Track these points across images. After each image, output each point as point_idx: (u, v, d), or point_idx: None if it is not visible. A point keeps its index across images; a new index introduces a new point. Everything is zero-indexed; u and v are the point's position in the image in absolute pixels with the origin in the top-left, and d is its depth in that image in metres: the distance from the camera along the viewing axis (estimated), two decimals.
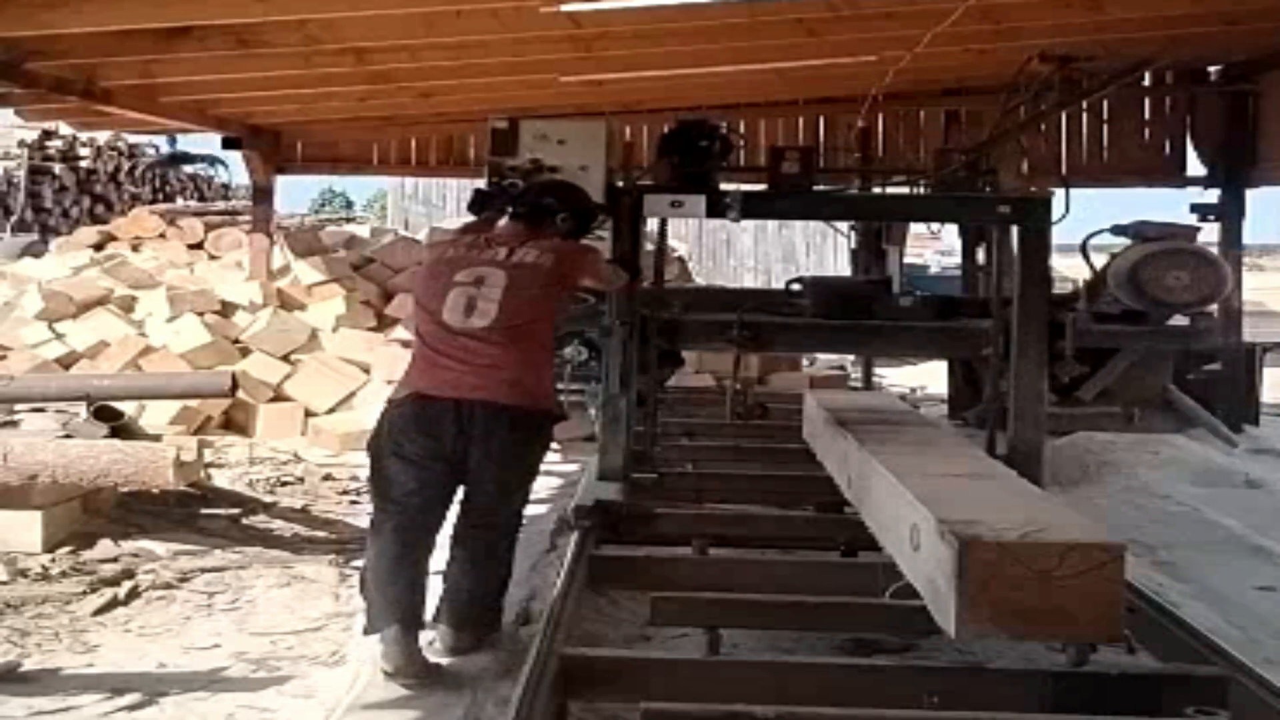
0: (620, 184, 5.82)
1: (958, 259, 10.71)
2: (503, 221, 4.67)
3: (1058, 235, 5.79)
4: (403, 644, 4.09)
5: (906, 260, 10.60)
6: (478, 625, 4.39)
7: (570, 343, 5.65)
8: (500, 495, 4.38)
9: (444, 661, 4.25)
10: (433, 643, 4.30)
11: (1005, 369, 5.65)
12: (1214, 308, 5.98)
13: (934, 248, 18.52)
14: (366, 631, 4.27)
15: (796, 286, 6.71)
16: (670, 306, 6.27)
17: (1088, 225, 6.21)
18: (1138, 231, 5.92)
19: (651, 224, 6.47)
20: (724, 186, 5.96)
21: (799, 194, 5.95)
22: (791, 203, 6.20)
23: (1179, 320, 6.01)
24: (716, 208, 5.71)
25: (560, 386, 5.21)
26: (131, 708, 4.05)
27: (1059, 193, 5.99)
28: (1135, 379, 6.17)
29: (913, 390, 12.73)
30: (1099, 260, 6.24)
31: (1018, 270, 5.62)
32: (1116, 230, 6.13)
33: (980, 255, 6.65)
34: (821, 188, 6.73)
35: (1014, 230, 5.77)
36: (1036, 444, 5.57)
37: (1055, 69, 6.87)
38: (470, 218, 5.03)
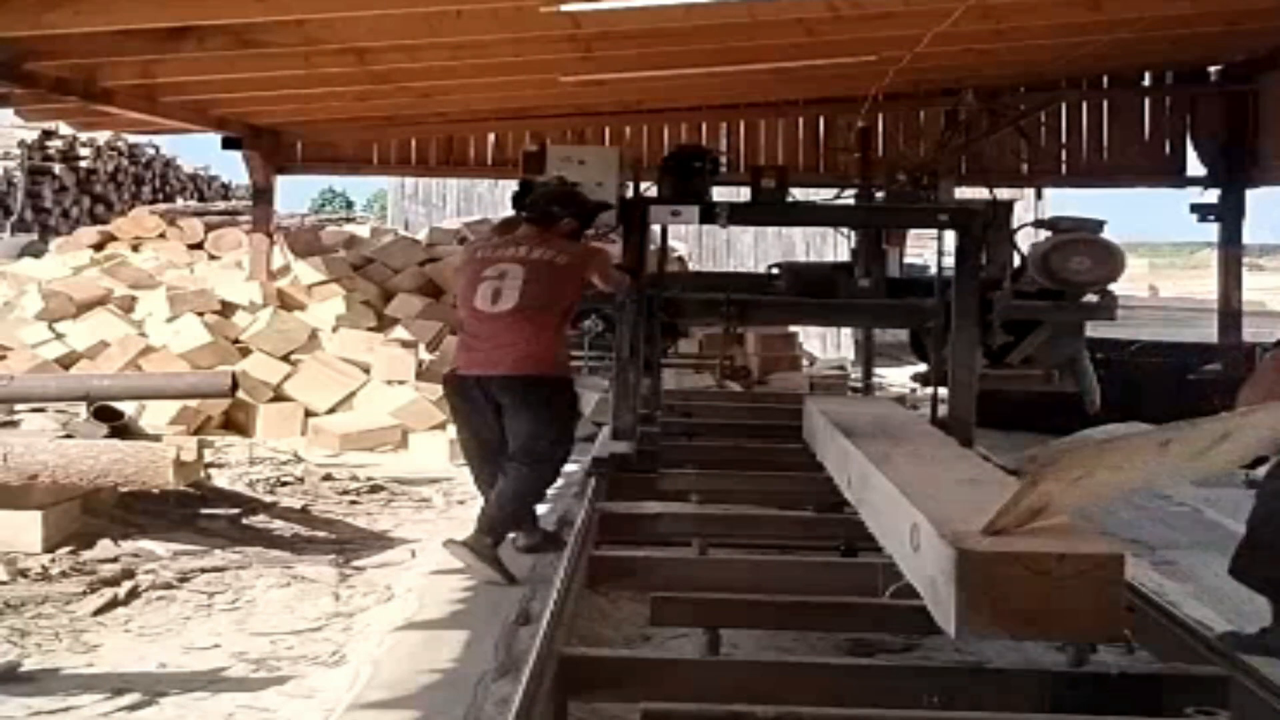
0: (629, 197, 6.88)
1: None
2: (524, 228, 5.90)
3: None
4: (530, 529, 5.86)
5: (906, 260, 10.61)
6: (493, 530, 5.51)
7: (589, 317, 6.60)
8: (527, 438, 5.56)
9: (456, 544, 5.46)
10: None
11: (945, 339, 6.70)
12: (1114, 286, 7.00)
13: (934, 248, 18.56)
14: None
15: (775, 271, 7.90)
16: (671, 287, 7.26)
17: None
18: (1054, 224, 7.06)
19: (656, 229, 7.32)
20: (720, 191, 7.20)
21: (774, 204, 7.05)
22: (768, 211, 7.44)
23: (1090, 298, 7.05)
24: (708, 216, 6.90)
25: (582, 354, 6.76)
26: (131, 708, 4.05)
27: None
28: (1053, 347, 7.14)
29: (912, 391, 12.73)
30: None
31: (956, 262, 6.68)
32: (1038, 224, 7.40)
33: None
34: (809, 192, 8.08)
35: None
36: (968, 406, 6.63)
37: (983, 106, 8.78)
38: (502, 216, 6.58)
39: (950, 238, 6.99)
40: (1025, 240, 7.66)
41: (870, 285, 7.38)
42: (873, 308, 7.53)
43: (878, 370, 11.42)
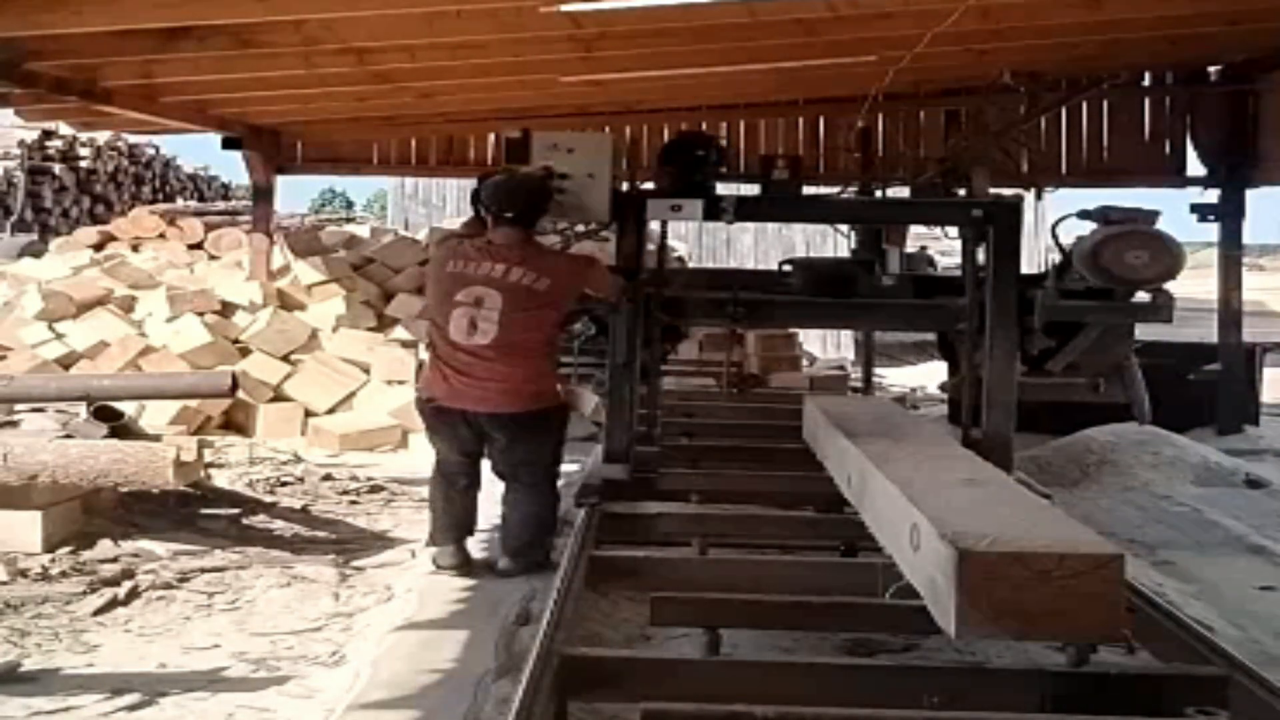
0: (625, 189, 6.26)
1: (957, 258, 10.72)
2: (500, 230, 5.36)
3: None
4: (453, 550, 5.49)
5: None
6: (525, 555, 5.42)
7: (580, 319, 6.07)
8: (523, 464, 5.45)
9: (499, 573, 5.42)
10: (495, 565, 5.49)
11: (980, 342, 6.05)
12: (1171, 285, 6.29)
13: (934, 248, 18.56)
14: (429, 544, 5.61)
15: (788, 268, 7.15)
16: (672, 285, 6.66)
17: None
18: (1102, 215, 6.24)
19: (654, 225, 6.81)
20: (722, 189, 6.40)
21: (787, 198, 6.40)
22: (780, 206, 6.72)
23: (1141, 296, 6.32)
24: (713, 211, 6.19)
25: (570, 360, 6.12)
26: (131, 708, 4.06)
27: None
28: (1100, 352, 6.44)
29: (913, 391, 12.74)
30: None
31: (991, 261, 6.08)
32: (1083, 215, 6.46)
33: (980, 255, 6.93)
34: (810, 191, 7.14)
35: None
36: (1006, 424, 6.03)
37: (1025, 85, 7.83)
38: (469, 216, 5.76)
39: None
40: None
41: (894, 283, 6.78)
42: (899, 308, 6.84)
43: (878, 370, 11.43)
